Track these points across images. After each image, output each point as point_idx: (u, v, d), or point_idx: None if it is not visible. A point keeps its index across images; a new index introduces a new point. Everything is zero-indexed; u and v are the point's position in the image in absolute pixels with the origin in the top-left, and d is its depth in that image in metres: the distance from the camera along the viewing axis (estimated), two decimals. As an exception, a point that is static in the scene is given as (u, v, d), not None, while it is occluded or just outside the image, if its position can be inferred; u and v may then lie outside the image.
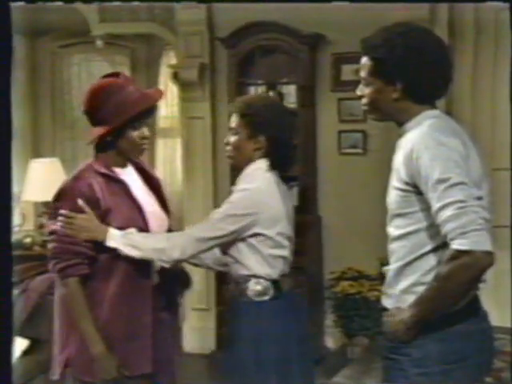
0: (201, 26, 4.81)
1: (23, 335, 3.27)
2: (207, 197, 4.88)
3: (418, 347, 1.69)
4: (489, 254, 1.55)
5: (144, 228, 2.09)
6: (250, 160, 2.16)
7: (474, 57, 4.40)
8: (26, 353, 3.36)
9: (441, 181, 1.60)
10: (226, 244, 2.12)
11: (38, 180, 4.70)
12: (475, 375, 1.75)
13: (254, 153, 2.15)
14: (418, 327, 1.68)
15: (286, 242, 2.16)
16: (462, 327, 1.68)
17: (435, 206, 1.62)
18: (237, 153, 2.18)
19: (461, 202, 1.57)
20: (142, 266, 2.08)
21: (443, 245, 1.66)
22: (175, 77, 4.92)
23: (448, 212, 1.57)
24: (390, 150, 5.15)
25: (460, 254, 1.55)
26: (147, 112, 2.11)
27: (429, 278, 1.67)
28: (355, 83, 4.93)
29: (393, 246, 1.83)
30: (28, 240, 4.66)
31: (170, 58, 5.53)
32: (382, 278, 4.33)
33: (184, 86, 4.88)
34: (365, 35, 5.13)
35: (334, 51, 4.65)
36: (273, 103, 2.26)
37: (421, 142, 1.67)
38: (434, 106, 1.81)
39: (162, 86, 5.45)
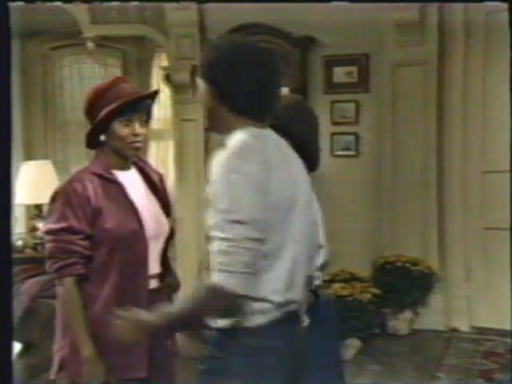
0: (192, 28, 4.80)
1: (15, 339, 3.25)
2: (200, 198, 4.87)
3: (223, 359, 1.66)
4: (232, 296, 1.56)
5: (138, 231, 2.08)
6: None
7: (463, 58, 4.42)
8: (18, 356, 3.34)
9: (223, 211, 1.57)
10: None
11: (30, 182, 4.67)
12: None
13: None
14: (145, 333, 1.70)
15: None
16: (264, 342, 1.64)
17: (210, 228, 1.61)
18: None
19: (232, 240, 1.55)
20: (137, 269, 2.07)
21: None
22: (167, 79, 4.91)
23: (216, 246, 1.57)
24: (383, 152, 5.20)
25: (212, 285, 1.56)
26: (133, 106, 2.09)
27: None
28: (347, 85, 5.01)
29: None
30: (19, 243, 4.63)
31: (161, 60, 5.52)
32: (374, 279, 4.38)
33: (176, 87, 4.88)
34: (356, 37, 5.16)
35: (325, 53, 4.66)
36: (293, 104, 2.17)
37: (217, 165, 1.64)
38: (260, 122, 1.74)
39: (154, 88, 5.44)
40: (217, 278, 1.55)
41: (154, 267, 2.13)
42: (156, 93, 2.23)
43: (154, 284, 2.13)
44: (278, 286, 1.63)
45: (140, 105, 2.11)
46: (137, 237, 2.06)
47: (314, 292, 1.99)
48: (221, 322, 1.65)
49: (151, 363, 2.08)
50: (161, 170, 2.35)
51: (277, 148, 1.71)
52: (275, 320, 1.63)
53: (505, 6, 2.26)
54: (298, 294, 1.68)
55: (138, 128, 2.09)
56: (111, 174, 2.11)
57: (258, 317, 1.62)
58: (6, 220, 1.83)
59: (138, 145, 2.10)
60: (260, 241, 1.57)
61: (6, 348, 1.81)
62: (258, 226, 1.56)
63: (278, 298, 1.62)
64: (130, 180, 2.15)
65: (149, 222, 2.10)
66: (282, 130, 2.03)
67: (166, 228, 2.17)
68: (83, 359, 2.00)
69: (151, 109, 2.19)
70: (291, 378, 1.70)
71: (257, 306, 1.61)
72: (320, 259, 2.05)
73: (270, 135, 1.74)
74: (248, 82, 1.69)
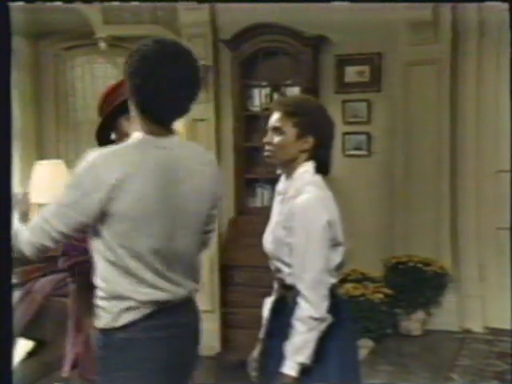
0: (204, 28, 4.81)
1: (28, 337, 3.27)
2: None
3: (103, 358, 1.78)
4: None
5: None
6: (293, 161, 2.07)
7: (477, 57, 4.39)
8: (30, 354, 3.36)
9: (62, 203, 1.75)
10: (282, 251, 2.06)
11: (43, 182, 4.69)
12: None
13: (300, 153, 2.07)
14: None
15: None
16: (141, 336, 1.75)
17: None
18: (281, 153, 2.08)
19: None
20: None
21: None
22: (179, 79, 4.91)
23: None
24: (395, 152, 5.17)
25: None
26: None
27: None
28: (359, 85, 4.99)
29: None
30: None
31: (173, 60, 5.53)
32: (386, 280, 4.36)
33: (188, 88, 4.87)
34: (368, 36, 5.14)
35: (337, 53, 4.64)
36: (320, 105, 2.20)
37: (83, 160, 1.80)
38: (164, 127, 1.78)
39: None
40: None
41: None
42: None
43: None
44: (141, 285, 1.73)
45: None
46: None
47: (331, 292, 1.99)
48: (98, 323, 1.77)
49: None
50: None
51: (154, 159, 1.74)
52: (144, 316, 1.74)
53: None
54: (171, 289, 1.77)
55: None
56: None
57: (126, 315, 1.74)
58: (6, 220, 1.84)
59: None
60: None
61: (5, 347, 1.82)
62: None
63: (141, 297, 1.73)
64: None
65: None
66: (310, 126, 2.04)
67: None
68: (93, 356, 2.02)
69: None
70: (172, 370, 1.80)
71: (123, 304, 1.73)
72: (337, 258, 2.05)
73: (157, 143, 1.76)
74: (155, 82, 1.71)
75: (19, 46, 5.74)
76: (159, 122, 1.77)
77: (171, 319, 1.78)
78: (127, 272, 1.72)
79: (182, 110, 1.80)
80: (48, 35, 5.82)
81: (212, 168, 1.90)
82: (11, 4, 1.84)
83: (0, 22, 1.81)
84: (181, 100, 1.77)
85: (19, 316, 2.22)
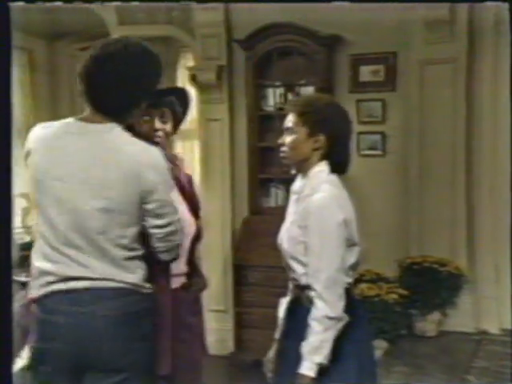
0: (218, 28, 4.81)
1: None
2: (225, 198, 4.88)
3: None
4: None
5: None
6: (306, 160, 2.07)
7: (493, 56, 4.35)
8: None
9: None
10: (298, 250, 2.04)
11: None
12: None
13: (313, 152, 2.06)
14: None
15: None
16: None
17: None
18: (294, 153, 2.08)
19: None
20: (159, 269, 2.08)
21: None
22: (193, 79, 4.93)
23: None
24: (410, 152, 5.14)
25: None
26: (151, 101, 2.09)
27: None
28: (374, 84, 4.97)
29: None
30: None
31: (187, 60, 5.54)
32: (400, 280, 4.33)
33: (202, 88, 4.89)
34: (383, 35, 5.11)
35: (351, 52, 4.62)
36: (331, 102, 2.16)
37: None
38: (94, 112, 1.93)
39: (179, 88, 5.45)
40: None
41: (179, 266, 2.14)
42: (174, 90, 2.23)
43: (178, 283, 2.14)
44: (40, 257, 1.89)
45: (158, 100, 2.11)
46: None
47: (347, 291, 1.98)
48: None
49: (176, 361, 2.08)
50: (189, 172, 2.34)
51: (60, 136, 1.90)
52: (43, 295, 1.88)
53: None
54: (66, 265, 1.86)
55: (156, 123, 2.11)
56: None
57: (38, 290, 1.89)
58: (7, 219, 1.85)
59: (156, 139, 2.11)
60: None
61: (6, 348, 1.84)
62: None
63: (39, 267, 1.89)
64: None
65: None
66: (319, 124, 2.03)
67: (191, 229, 2.17)
68: None
69: (175, 106, 2.18)
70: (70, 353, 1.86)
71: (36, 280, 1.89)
72: (352, 258, 2.04)
73: (77, 127, 1.91)
74: (95, 76, 1.88)
75: (35, 46, 5.79)
76: (95, 109, 1.90)
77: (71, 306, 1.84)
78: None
79: (120, 102, 1.91)
80: (63, 36, 5.86)
81: (142, 167, 1.88)
82: (11, 4, 1.85)
83: (0, 22, 1.82)
84: (118, 93, 1.89)
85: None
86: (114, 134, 1.90)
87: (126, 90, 1.89)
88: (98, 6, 4.71)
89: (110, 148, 1.88)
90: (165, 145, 2.16)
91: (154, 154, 1.91)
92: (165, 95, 2.16)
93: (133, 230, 1.89)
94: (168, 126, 2.15)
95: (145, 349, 1.90)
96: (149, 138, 2.10)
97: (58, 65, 5.98)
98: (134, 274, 1.90)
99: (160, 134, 2.13)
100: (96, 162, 1.86)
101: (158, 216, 1.91)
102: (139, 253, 1.93)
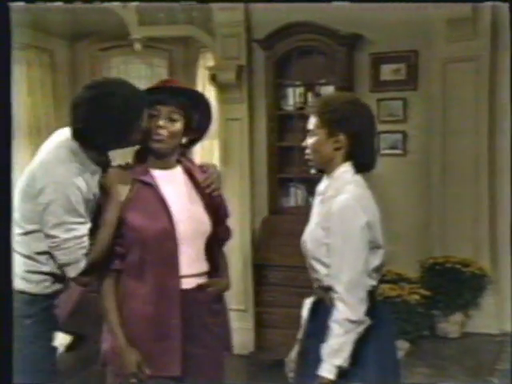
0: (238, 28, 4.81)
1: (66, 331, 3.33)
2: (244, 198, 4.88)
3: None
4: None
5: (169, 230, 2.07)
6: (330, 161, 2.04)
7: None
8: (69, 348, 3.44)
9: None
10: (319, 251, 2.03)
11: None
12: None
13: (335, 153, 2.03)
14: None
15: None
16: None
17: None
18: (316, 155, 2.06)
19: None
20: (167, 267, 2.07)
21: None
22: (213, 79, 4.93)
23: None
24: (431, 151, 5.08)
25: None
26: (157, 98, 2.08)
27: None
28: (395, 83, 4.92)
29: None
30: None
31: (207, 60, 5.55)
32: (422, 281, 4.29)
33: (222, 87, 4.89)
34: (404, 34, 5.05)
35: (372, 51, 4.59)
36: (350, 100, 2.10)
37: None
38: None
39: (199, 88, 5.46)
40: None
41: (192, 266, 2.13)
42: (185, 90, 2.20)
43: (193, 283, 2.12)
44: None
45: (166, 99, 2.09)
46: (166, 235, 2.07)
47: (370, 294, 1.96)
48: None
49: (188, 362, 2.07)
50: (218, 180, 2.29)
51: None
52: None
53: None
54: None
55: (162, 121, 2.09)
56: (147, 172, 2.12)
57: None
58: (7, 219, 1.86)
59: (157, 137, 2.10)
60: None
61: (6, 347, 1.85)
62: None
63: None
64: (169, 179, 2.15)
65: (183, 222, 2.09)
66: (338, 124, 2.00)
67: (205, 228, 2.15)
68: (117, 349, 2.03)
69: (188, 108, 2.15)
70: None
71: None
72: (376, 261, 2.02)
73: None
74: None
75: (56, 47, 5.84)
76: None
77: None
78: None
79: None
80: (84, 36, 5.91)
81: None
82: (12, 4, 1.85)
83: (0, 22, 1.83)
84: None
85: (58, 311, 2.28)
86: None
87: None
88: (119, 7, 4.74)
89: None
90: (169, 145, 2.12)
91: None
92: (175, 94, 2.13)
93: None
94: (176, 127, 2.11)
95: None
96: (149, 134, 2.09)
97: (79, 65, 6.02)
98: None
99: (162, 132, 2.09)
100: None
101: None
102: None
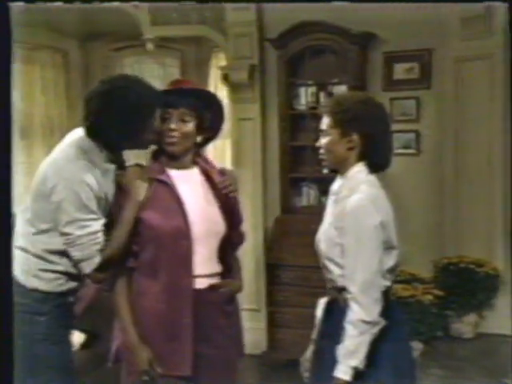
0: (250, 27, 4.80)
1: (80, 329, 3.35)
2: (257, 197, 4.87)
3: None
4: None
5: (183, 229, 2.08)
6: (344, 161, 2.04)
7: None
8: (83, 346, 3.46)
9: None
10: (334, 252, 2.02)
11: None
12: None
13: (349, 153, 2.03)
14: None
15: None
16: None
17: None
18: (330, 155, 2.05)
19: None
20: (181, 267, 2.08)
21: None
22: (225, 78, 4.93)
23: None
24: (444, 151, 5.05)
25: None
26: (168, 101, 2.08)
27: None
28: (408, 82, 4.89)
29: None
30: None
31: (219, 60, 5.55)
32: (436, 281, 4.26)
33: (234, 87, 4.89)
34: (417, 33, 5.02)
35: (385, 50, 4.57)
36: (363, 99, 2.08)
37: None
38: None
39: (211, 88, 5.47)
40: None
41: (206, 267, 2.13)
42: (195, 91, 2.21)
43: (205, 284, 2.12)
44: None
45: (176, 101, 2.10)
46: (181, 234, 2.08)
47: (385, 294, 1.95)
48: None
49: (199, 363, 2.07)
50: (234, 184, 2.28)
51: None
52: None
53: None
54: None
55: (173, 123, 2.10)
56: (163, 171, 2.13)
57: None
58: (7, 219, 1.87)
59: (169, 140, 2.11)
60: None
61: (6, 347, 1.86)
62: None
63: None
64: (186, 179, 2.15)
65: (198, 221, 2.10)
66: (351, 124, 1.99)
67: (219, 229, 2.16)
68: (128, 347, 2.04)
69: (199, 108, 2.16)
70: None
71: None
72: (390, 262, 2.00)
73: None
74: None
75: (69, 47, 5.87)
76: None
77: None
78: None
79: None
80: (97, 36, 5.93)
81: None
82: (12, 4, 1.85)
83: (0, 22, 1.83)
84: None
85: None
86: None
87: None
88: (131, 7, 4.75)
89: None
90: (182, 146, 2.14)
91: None
92: (186, 95, 2.14)
93: None
94: (188, 128, 2.12)
95: None
96: (162, 136, 2.10)
97: (92, 65, 6.05)
98: None
99: (175, 134, 2.11)
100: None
101: None
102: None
